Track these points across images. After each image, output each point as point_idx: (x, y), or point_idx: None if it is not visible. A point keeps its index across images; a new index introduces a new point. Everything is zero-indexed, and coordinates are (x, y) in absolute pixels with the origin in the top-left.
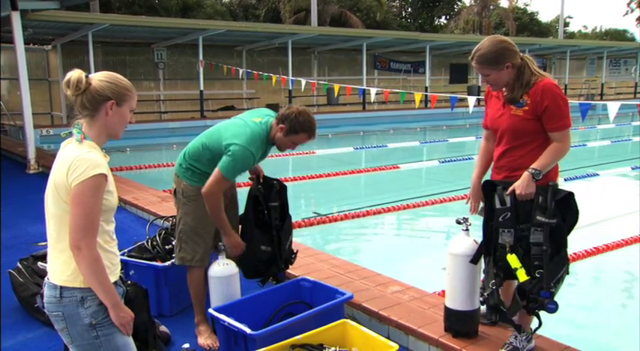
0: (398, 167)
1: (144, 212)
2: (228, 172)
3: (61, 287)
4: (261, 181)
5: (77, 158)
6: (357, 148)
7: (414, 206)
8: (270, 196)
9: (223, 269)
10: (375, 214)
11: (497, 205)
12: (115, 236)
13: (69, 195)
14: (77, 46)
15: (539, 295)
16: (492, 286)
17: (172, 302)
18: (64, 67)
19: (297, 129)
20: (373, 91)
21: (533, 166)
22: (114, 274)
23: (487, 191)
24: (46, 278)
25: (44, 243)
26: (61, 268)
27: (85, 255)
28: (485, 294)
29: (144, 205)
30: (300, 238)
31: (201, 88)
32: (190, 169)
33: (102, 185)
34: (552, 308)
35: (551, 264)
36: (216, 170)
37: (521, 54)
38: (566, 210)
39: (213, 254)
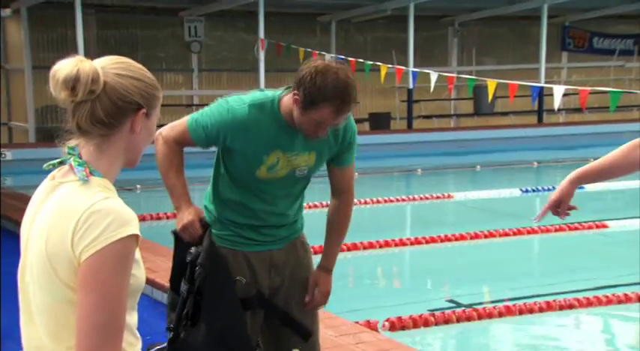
0: (606, 225)
1: (164, 293)
2: (192, 118)
3: None
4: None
5: (89, 211)
6: (524, 192)
7: None
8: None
9: None
10: None
11: None
12: (138, 334)
13: (75, 273)
14: (55, 13)
15: None
16: None
17: None
18: (32, 45)
19: (315, 98)
20: (559, 90)
21: None
22: None
23: None
24: None
25: None
26: None
27: None
28: None
29: (164, 282)
30: None
31: (262, 86)
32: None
33: (131, 254)
34: None
35: None
36: None
37: None
38: None
39: None
